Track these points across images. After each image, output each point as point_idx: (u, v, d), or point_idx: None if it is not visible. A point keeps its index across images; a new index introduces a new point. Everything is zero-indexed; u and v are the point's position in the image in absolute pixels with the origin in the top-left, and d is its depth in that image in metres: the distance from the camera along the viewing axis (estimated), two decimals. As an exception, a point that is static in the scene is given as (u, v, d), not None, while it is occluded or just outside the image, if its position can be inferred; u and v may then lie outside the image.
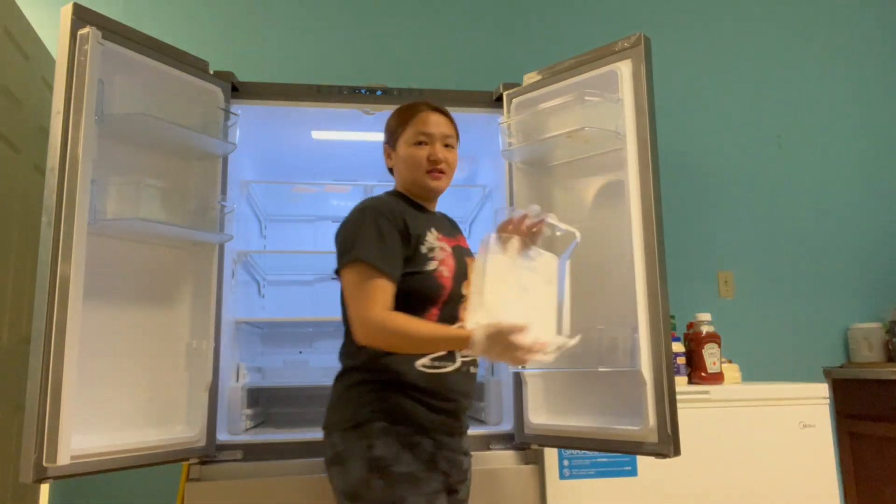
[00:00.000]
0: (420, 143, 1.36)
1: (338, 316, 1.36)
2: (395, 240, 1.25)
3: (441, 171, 1.36)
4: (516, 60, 2.74)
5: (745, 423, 1.97)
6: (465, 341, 1.11)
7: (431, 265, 1.28)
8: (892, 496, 2.38)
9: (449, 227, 1.44)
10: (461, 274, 1.30)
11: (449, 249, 1.33)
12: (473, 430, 1.69)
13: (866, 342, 2.68)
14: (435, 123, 1.37)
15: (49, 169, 1.37)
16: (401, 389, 1.25)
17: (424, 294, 1.26)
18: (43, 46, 2.12)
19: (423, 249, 1.29)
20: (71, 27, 1.42)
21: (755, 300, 2.74)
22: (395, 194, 1.41)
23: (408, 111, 1.40)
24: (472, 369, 1.36)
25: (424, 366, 1.17)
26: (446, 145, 1.38)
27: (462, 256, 1.35)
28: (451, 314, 1.27)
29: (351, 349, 1.29)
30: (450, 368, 1.22)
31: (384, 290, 1.20)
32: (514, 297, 1.20)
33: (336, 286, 1.32)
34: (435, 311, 1.28)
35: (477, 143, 2.06)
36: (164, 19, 2.62)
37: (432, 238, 1.32)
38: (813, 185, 2.86)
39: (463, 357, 1.24)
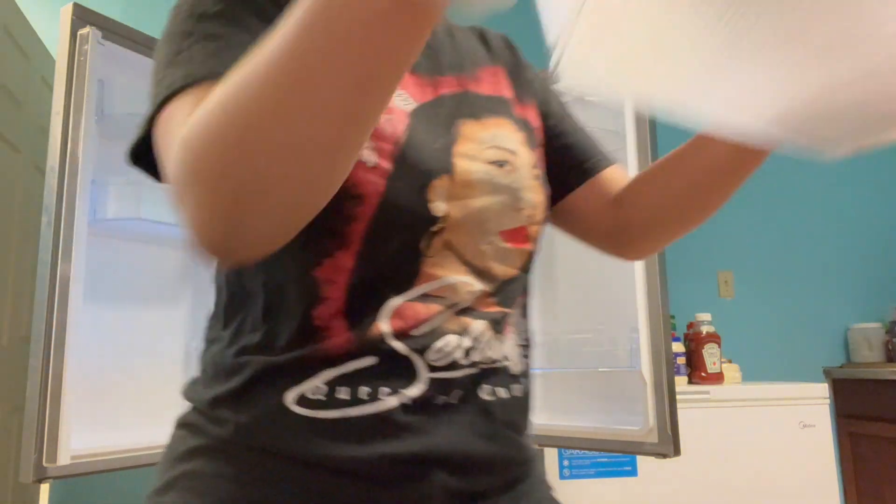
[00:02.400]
0: None
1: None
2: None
3: None
4: (516, 60, 2.74)
5: (745, 423, 1.97)
6: None
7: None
8: (892, 496, 2.38)
9: (454, 54, 0.66)
10: (429, 157, 0.56)
11: (401, 108, 0.57)
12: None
13: (866, 342, 2.68)
14: None
15: (49, 169, 1.37)
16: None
17: (318, 222, 0.46)
18: (43, 46, 2.12)
19: None
20: (71, 27, 1.42)
21: (755, 300, 2.74)
22: None
23: None
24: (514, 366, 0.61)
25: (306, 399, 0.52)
26: None
27: (448, 123, 0.60)
28: (376, 268, 0.54)
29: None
30: (369, 409, 0.52)
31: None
32: None
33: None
34: (343, 257, 0.54)
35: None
36: (164, 19, 2.62)
37: None
38: (813, 184, 2.86)
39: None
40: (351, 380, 0.53)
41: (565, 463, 1.87)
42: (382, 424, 0.52)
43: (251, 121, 0.35)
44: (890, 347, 2.65)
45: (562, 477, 1.86)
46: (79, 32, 1.43)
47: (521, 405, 0.61)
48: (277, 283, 0.55)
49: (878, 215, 2.87)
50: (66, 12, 1.43)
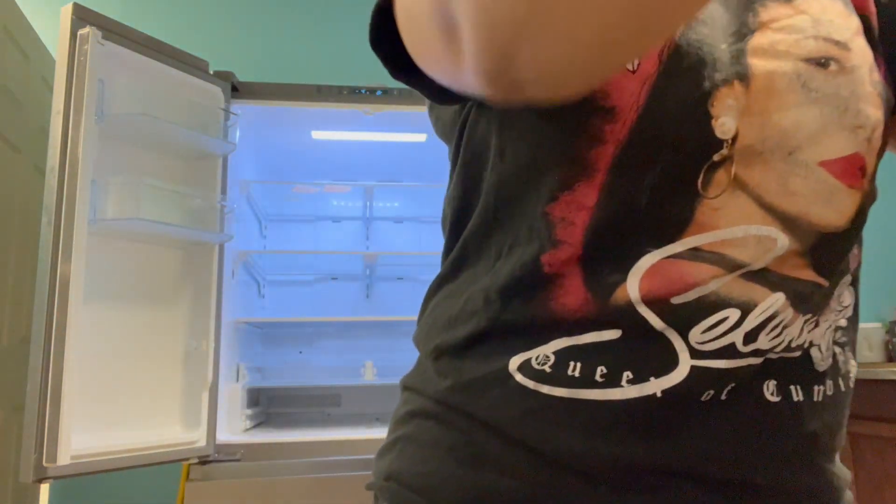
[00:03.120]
0: None
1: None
2: None
3: None
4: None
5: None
6: None
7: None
8: (892, 496, 2.38)
9: None
10: (712, 58, 0.41)
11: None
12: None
13: (866, 342, 2.68)
14: None
15: (49, 169, 1.37)
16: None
17: (558, 143, 0.43)
18: (43, 46, 2.12)
19: None
20: (71, 27, 1.42)
21: (755, 300, 2.74)
22: None
23: None
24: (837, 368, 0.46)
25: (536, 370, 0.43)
26: None
27: (746, 3, 0.44)
28: (628, 209, 0.41)
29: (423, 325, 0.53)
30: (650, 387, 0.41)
31: None
32: None
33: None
34: (584, 190, 0.42)
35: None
36: (164, 19, 2.62)
37: None
38: None
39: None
40: (586, 354, 0.41)
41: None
42: (616, 417, 0.41)
43: None
44: (890, 347, 2.65)
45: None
46: (79, 32, 1.43)
47: (823, 412, 0.44)
48: (511, 216, 0.45)
49: (878, 215, 2.87)
50: (66, 12, 1.43)
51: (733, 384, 0.41)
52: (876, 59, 0.46)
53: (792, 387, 0.43)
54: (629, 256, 0.41)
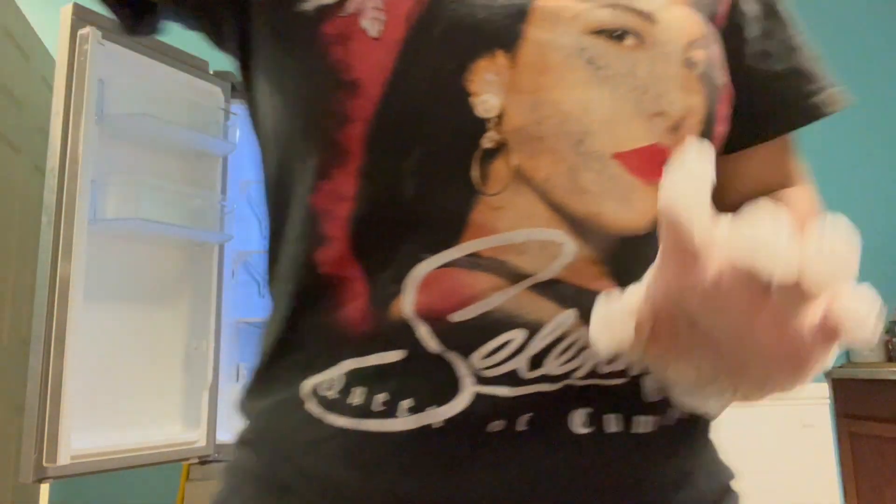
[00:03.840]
0: None
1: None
2: None
3: None
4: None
5: (745, 423, 1.97)
6: None
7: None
8: (892, 496, 2.38)
9: None
10: (473, 20, 0.35)
11: None
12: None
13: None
14: None
15: (49, 169, 1.37)
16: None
17: (310, 120, 0.37)
18: (43, 46, 2.12)
19: None
20: (71, 27, 1.42)
21: (755, 300, 2.74)
22: None
23: None
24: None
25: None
26: None
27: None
28: (391, 203, 0.36)
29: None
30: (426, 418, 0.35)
31: None
32: None
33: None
34: (341, 178, 0.36)
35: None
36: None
37: None
38: (812, 184, 2.86)
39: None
40: (369, 378, 0.36)
41: (565, 463, 1.87)
42: (394, 450, 0.35)
43: None
44: (890, 347, 2.65)
45: (562, 477, 1.87)
46: (79, 32, 1.43)
47: (651, 445, 0.37)
48: (286, 209, 0.40)
49: (878, 215, 2.87)
50: (66, 12, 1.43)
51: (531, 414, 0.35)
52: (714, 36, 0.40)
53: (608, 416, 0.36)
54: (405, 263, 0.35)
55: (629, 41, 0.35)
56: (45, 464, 1.28)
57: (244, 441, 0.42)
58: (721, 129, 0.40)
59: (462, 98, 0.34)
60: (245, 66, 0.42)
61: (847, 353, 2.76)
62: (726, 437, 1.82)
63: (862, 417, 2.52)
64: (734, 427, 1.99)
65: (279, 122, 0.39)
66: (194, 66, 1.71)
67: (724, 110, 0.40)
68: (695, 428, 0.40)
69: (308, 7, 0.35)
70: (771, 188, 0.48)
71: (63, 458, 1.29)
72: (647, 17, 0.36)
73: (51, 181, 1.37)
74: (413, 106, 0.34)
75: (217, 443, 1.67)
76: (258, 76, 0.41)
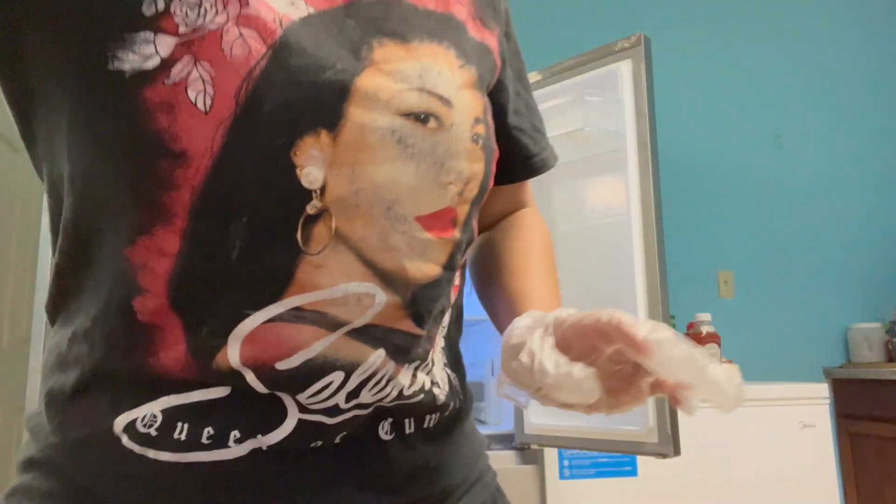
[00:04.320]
0: None
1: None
2: None
3: None
4: (516, 60, 2.74)
5: (745, 423, 1.97)
6: None
7: (140, 62, 0.36)
8: (892, 496, 2.38)
9: None
10: (300, 97, 0.38)
11: (277, 12, 0.39)
12: (473, 430, 1.69)
13: (866, 342, 2.68)
14: None
15: (49, 169, 1.37)
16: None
17: (129, 177, 0.38)
18: (43, 46, 2.12)
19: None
20: (71, 27, 1.42)
21: (755, 300, 2.74)
22: None
23: None
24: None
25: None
26: None
27: (358, 42, 0.42)
28: (217, 263, 0.38)
29: None
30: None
31: None
32: None
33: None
34: (164, 236, 0.38)
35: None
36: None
37: None
38: (813, 184, 2.86)
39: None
40: (194, 414, 0.39)
41: (565, 463, 1.87)
42: (226, 476, 0.40)
43: None
44: (890, 347, 2.65)
45: (562, 477, 1.86)
46: (79, 32, 1.42)
47: (436, 438, 0.49)
48: (96, 253, 0.40)
49: (879, 215, 2.87)
50: (66, 12, 1.43)
51: (345, 433, 0.43)
52: (487, 105, 0.49)
53: (405, 420, 0.47)
54: (229, 317, 0.38)
55: (432, 123, 0.42)
56: (45, 464, 1.29)
57: (40, 464, 0.43)
58: (491, 183, 0.49)
59: (289, 171, 0.37)
60: (28, 101, 0.41)
61: (847, 353, 2.76)
62: (727, 437, 1.82)
63: (862, 417, 2.52)
64: (735, 427, 1.99)
65: (87, 171, 0.39)
66: (194, 66, 1.70)
67: (494, 168, 0.49)
68: (461, 417, 0.53)
69: (123, 68, 0.35)
70: (513, 209, 0.64)
71: (63, 458, 1.29)
72: (445, 101, 0.43)
73: (51, 181, 1.37)
74: (242, 177, 0.37)
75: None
76: (52, 118, 0.40)
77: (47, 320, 1.28)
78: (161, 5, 0.35)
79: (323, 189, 0.38)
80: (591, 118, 1.67)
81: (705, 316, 2.24)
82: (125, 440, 0.39)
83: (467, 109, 0.44)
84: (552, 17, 2.87)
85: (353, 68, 0.39)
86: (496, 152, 0.49)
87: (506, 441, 1.77)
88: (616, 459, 1.89)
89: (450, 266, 0.45)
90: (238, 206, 0.37)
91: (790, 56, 2.95)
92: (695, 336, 2.20)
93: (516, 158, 0.59)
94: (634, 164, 1.58)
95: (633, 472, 1.89)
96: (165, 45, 0.35)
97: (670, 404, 1.44)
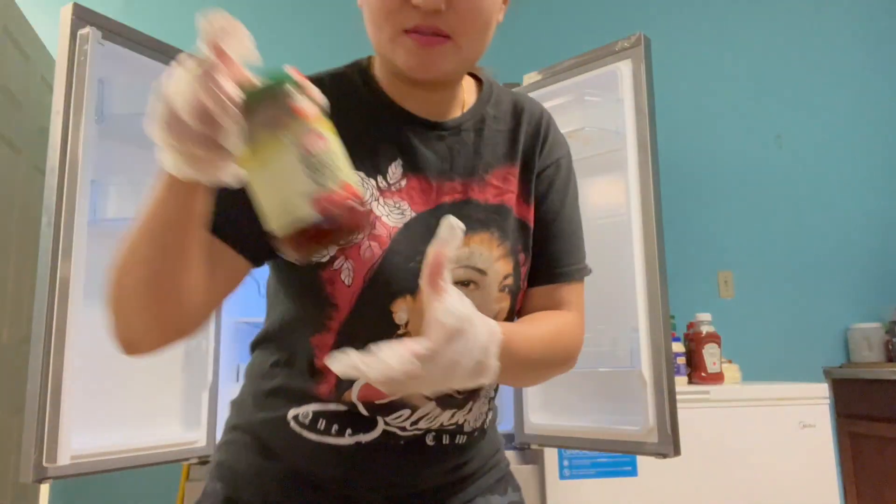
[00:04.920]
0: None
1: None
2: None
3: (436, 34, 0.64)
4: (516, 60, 2.74)
5: (745, 423, 1.97)
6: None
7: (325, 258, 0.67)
8: (892, 496, 2.38)
9: (471, 156, 0.74)
10: (396, 280, 0.68)
11: (389, 227, 0.69)
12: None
13: (866, 342, 2.68)
14: None
15: (49, 169, 1.37)
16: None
17: (305, 308, 0.73)
18: (43, 46, 2.12)
19: None
20: (71, 27, 1.42)
21: (755, 300, 2.74)
22: (362, 68, 0.81)
23: None
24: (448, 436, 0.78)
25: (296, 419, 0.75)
26: None
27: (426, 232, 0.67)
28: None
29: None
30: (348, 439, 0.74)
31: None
32: None
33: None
34: (326, 337, 0.71)
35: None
36: (164, 19, 2.62)
37: (373, 187, 0.70)
38: (813, 184, 2.86)
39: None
40: (329, 416, 0.73)
41: (565, 463, 1.87)
42: (341, 454, 0.73)
43: (116, 263, 0.64)
44: (890, 347, 2.65)
45: (562, 477, 1.86)
46: (79, 32, 1.42)
47: (464, 448, 0.79)
48: (294, 331, 0.75)
49: (878, 215, 2.87)
50: (66, 12, 1.43)
51: (408, 439, 0.74)
52: (523, 262, 0.76)
53: (445, 435, 0.76)
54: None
55: (472, 287, 0.72)
56: (45, 464, 1.28)
57: (242, 429, 0.79)
58: (518, 306, 0.78)
59: (389, 315, 0.69)
60: (274, 272, 0.78)
61: (847, 353, 2.76)
62: (727, 437, 1.82)
63: (862, 417, 2.52)
64: (735, 426, 1.99)
65: (287, 298, 0.75)
66: (194, 66, 1.70)
67: (520, 303, 0.78)
68: (484, 432, 0.82)
69: (313, 259, 0.68)
70: (551, 308, 0.80)
71: (63, 459, 1.29)
72: (482, 272, 0.72)
73: (51, 181, 1.37)
74: (363, 318, 0.69)
75: (217, 443, 1.67)
76: (277, 273, 0.76)
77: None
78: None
79: (407, 324, 0.69)
80: (591, 118, 1.67)
81: (705, 316, 2.24)
82: (292, 424, 0.73)
83: (498, 273, 0.73)
84: (552, 17, 2.87)
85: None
86: (523, 289, 0.78)
87: (506, 441, 1.77)
88: (616, 459, 1.88)
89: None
90: (362, 329, 0.69)
91: (790, 56, 2.95)
92: (695, 336, 2.20)
93: (545, 268, 0.79)
94: (634, 164, 1.58)
95: (633, 472, 1.89)
96: (332, 250, 0.67)
97: (670, 404, 1.44)
